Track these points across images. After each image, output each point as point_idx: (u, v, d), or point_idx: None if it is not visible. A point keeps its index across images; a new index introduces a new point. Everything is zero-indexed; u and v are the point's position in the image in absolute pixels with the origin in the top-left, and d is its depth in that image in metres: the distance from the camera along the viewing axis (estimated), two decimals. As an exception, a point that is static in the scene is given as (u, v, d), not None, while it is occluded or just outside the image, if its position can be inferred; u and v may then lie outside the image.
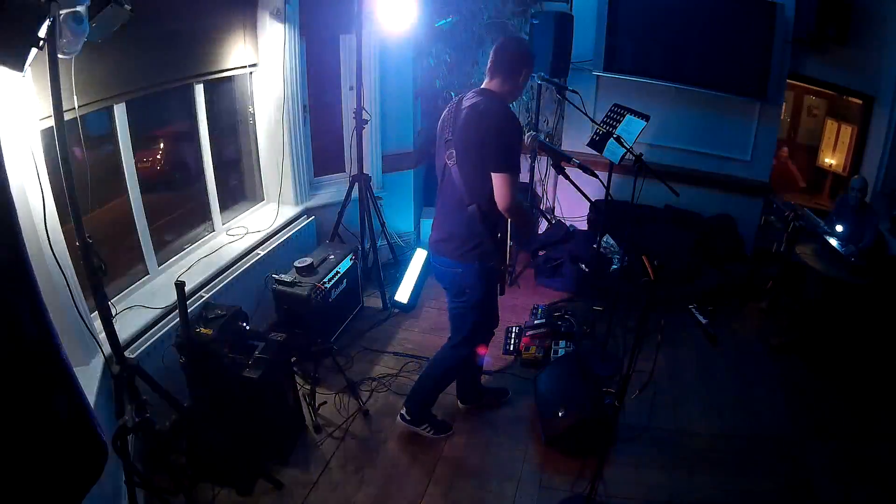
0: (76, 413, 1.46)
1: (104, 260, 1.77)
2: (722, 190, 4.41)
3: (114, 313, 2.11)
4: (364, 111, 3.55)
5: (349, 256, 3.48)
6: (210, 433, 2.39)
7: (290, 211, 3.75)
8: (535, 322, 3.60)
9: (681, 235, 4.20)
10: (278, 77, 3.43)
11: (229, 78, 3.35)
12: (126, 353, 2.10)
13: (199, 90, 3.04)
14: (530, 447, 2.74)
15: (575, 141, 4.44)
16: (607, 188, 3.09)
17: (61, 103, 1.55)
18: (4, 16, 1.26)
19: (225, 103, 3.44)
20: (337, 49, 3.90)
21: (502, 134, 2.13)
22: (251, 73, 3.43)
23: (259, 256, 3.30)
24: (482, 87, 2.29)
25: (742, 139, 4.31)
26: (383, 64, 3.92)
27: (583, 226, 4.68)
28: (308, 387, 2.83)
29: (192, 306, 2.66)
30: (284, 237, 3.54)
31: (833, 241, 3.59)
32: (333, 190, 4.07)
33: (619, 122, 3.14)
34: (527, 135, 2.36)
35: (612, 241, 4.13)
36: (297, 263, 3.18)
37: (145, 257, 2.86)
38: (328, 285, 3.22)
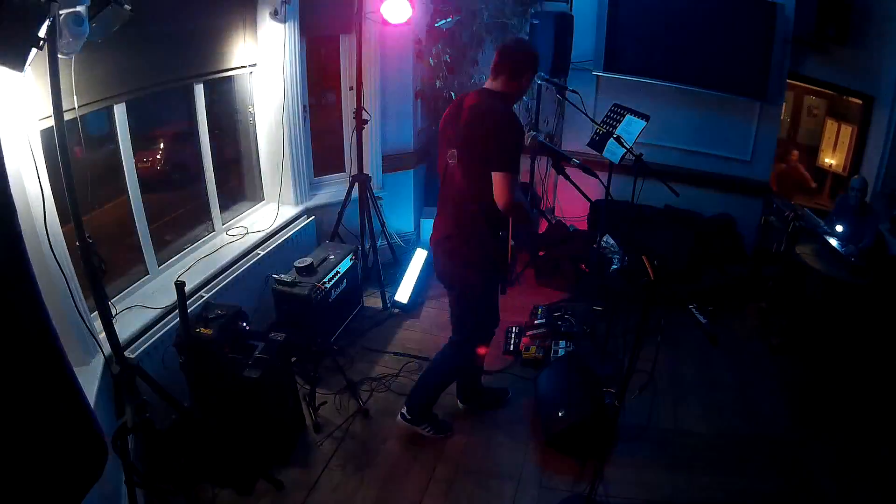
0: (76, 413, 1.46)
1: (104, 260, 1.77)
2: (722, 190, 4.41)
3: (114, 313, 2.11)
4: (364, 111, 3.55)
5: (349, 256, 3.48)
6: (210, 433, 2.39)
7: (290, 211, 3.75)
8: (535, 322, 3.60)
9: (681, 235, 4.20)
10: (278, 77, 3.42)
11: (229, 78, 3.35)
12: (126, 353, 2.10)
13: (199, 90, 3.04)
14: (530, 447, 2.74)
15: (575, 141, 4.44)
16: (607, 188, 3.09)
17: (61, 103, 1.55)
18: (4, 16, 1.26)
19: (225, 103, 3.44)
20: (337, 49, 3.90)
21: (503, 133, 2.14)
22: (251, 72, 3.43)
23: (259, 256, 3.30)
24: (484, 86, 2.29)
25: (742, 139, 4.31)
26: (383, 64, 3.92)
27: (583, 226, 4.68)
28: (308, 387, 2.83)
29: (192, 306, 2.66)
30: (284, 237, 3.54)
31: (833, 241, 3.58)
32: (333, 190, 4.07)
33: (619, 122, 3.15)
34: (527, 135, 2.36)
35: (612, 241, 4.13)
36: (297, 263, 3.18)
37: (145, 257, 2.86)
38: (328, 285, 3.22)
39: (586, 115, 3.19)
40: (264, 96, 3.52)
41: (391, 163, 4.26)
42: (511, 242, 2.39)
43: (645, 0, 4.13)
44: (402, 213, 4.52)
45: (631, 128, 3.07)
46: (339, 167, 4.16)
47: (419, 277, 3.99)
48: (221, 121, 3.42)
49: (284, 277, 3.09)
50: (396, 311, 3.83)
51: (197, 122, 3.10)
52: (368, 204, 3.70)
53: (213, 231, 3.37)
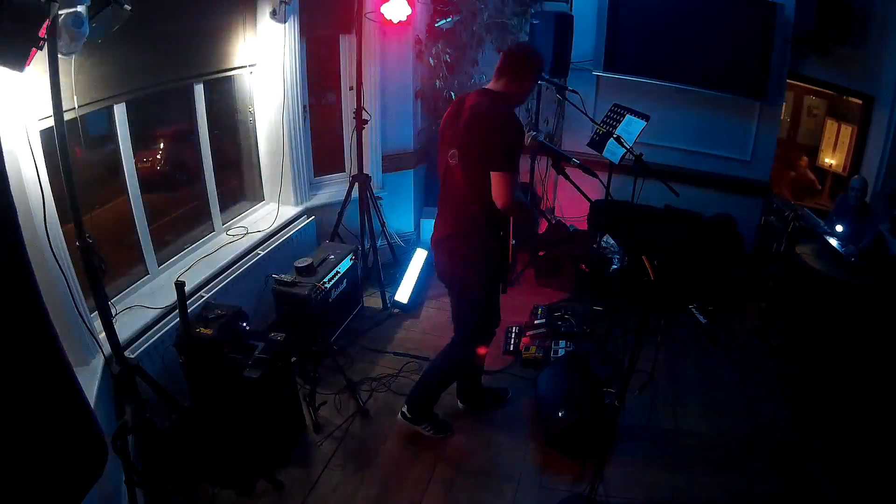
0: (76, 413, 1.47)
1: (104, 260, 1.77)
2: (722, 190, 4.41)
3: (114, 313, 2.11)
4: (364, 111, 3.55)
5: (349, 256, 3.48)
6: (210, 433, 2.39)
7: (290, 211, 3.75)
8: (535, 322, 3.61)
9: (681, 235, 4.20)
10: (278, 77, 3.42)
11: (229, 78, 3.35)
12: (126, 353, 2.11)
13: (199, 90, 3.04)
14: (530, 447, 2.74)
15: (575, 141, 4.44)
16: (607, 188, 3.09)
17: (61, 103, 1.55)
18: (4, 16, 1.26)
19: (225, 103, 3.44)
20: (337, 49, 3.90)
21: (503, 133, 2.14)
22: (251, 72, 3.43)
23: (259, 256, 3.30)
24: (486, 87, 2.29)
25: (742, 139, 4.30)
26: (383, 64, 3.92)
27: (583, 226, 4.68)
28: (308, 387, 2.83)
29: (192, 306, 2.66)
30: (284, 237, 3.54)
31: (833, 241, 3.58)
32: (333, 190, 4.07)
33: (619, 122, 3.15)
34: (527, 135, 2.36)
35: (612, 241, 4.13)
36: (297, 263, 3.18)
37: (145, 257, 2.86)
38: (328, 285, 3.22)
39: (586, 115, 3.19)
40: (264, 96, 3.52)
41: (391, 163, 4.26)
42: (511, 242, 2.39)
43: (645, 0, 4.13)
44: (402, 213, 4.52)
45: (631, 128, 3.07)
46: (339, 167, 4.16)
47: (419, 277, 3.99)
48: (221, 121, 3.42)
49: (284, 277, 3.09)
50: (396, 311, 3.83)
51: (197, 122, 3.10)
52: (368, 204, 3.70)
53: (213, 231, 3.37)
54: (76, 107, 2.15)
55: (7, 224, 1.24)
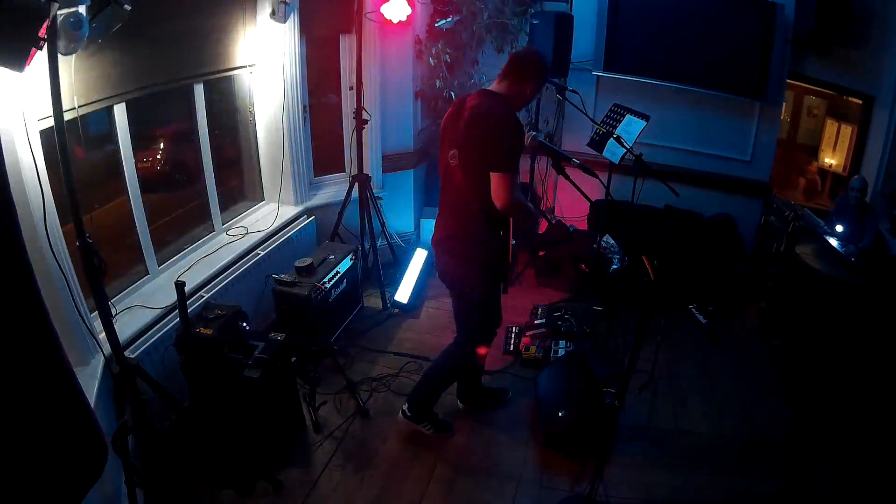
0: (76, 413, 1.47)
1: (104, 260, 1.77)
2: (722, 190, 4.41)
3: (114, 313, 2.11)
4: (364, 111, 3.55)
5: (349, 256, 3.48)
6: (210, 433, 2.39)
7: (290, 211, 3.75)
8: (535, 322, 3.61)
9: (681, 235, 4.20)
10: (278, 77, 3.42)
11: (229, 78, 3.35)
12: (126, 353, 2.11)
13: (199, 90, 3.04)
14: (530, 447, 2.74)
15: (575, 141, 4.44)
16: (607, 188, 3.09)
17: (61, 103, 1.55)
18: (4, 16, 1.26)
19: (225, 103, 3.44)
20: (337, 49, 3.90)
21: (502, 134, 2.14)
22: (251, 72, 3.43)
23: (259, 256, 3.30)
24: (488, 88, 2.30)
25: (742, 139, 4.30)
26: (383, 64, 3.92)
27: (583, 226, 4.68)
28: (308, 387, 2.83)
29: (192, 306, 2.66)
30: (284, 237, 3.54)
31: (833, 241, 3.59)
32: (333, 190, 4.07)
33: (619, 122, 3.15)
34: (527, 135, 2.36)
35: (612, 241, 4.13)
36: (297, 263, 3.18)
37: (145, 257, 2.86)
38: (328, 285, 3.22)
39: (586, 115, 3.19)
40: (264, 96, 3.52)
41: (391, 163, 4.26)
42: (512, 242, 2.39)
43: (645, 0, 4.13)
44: (402, 213, 4.52)
45: (631, 128, 3.07)
46: (339, 167, 4.16)
47: (419, 277, 3.99)
48: (221, 121, 3.42)
49: (284, 277, 3.09)
50: (396, 311, 3.83)
51: (197, 122, 3.10)
52: (368, 204, 3.70)
53: (213, 231, 3.37)
54: (76, 107, 2.15)
55: (7, 224, 1.24)
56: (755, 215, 4.44)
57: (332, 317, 3.34)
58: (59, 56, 1.55)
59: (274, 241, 3.46)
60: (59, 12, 1.52)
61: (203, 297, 2.84)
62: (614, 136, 3.01)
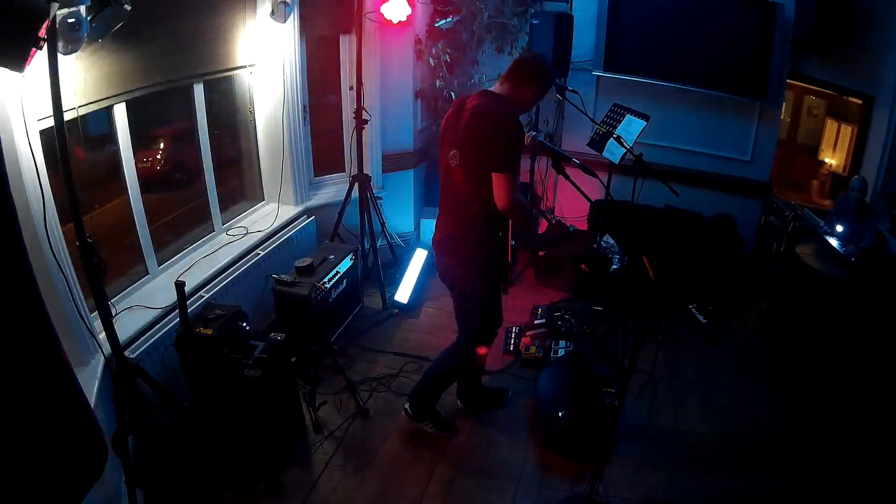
0: (76, 413, 1.47)
1: (104, 260, 1.77)
2: (722, 190, 4.41)
3: (114, 313, 2.11)
4: (364, 111, 3.55)
5: (349, 256, 3.48)
6: (210, 433, 2.39)
7: (290, 211, 3.75)
8: (535, 322, 3.61)
9: (681, 235, 4.20)
10: (278, 77, 3.42)
11: (229, 78, 3.35)
12: (126, 353, 2.11)
13: (199, 90, 3.04)
14: (530, 447, 2.74)
15: (575, 141, 4.44)
16: (607, 188, 3.09)
17: (61, 103, 1.55)
18: (4, 16, 1.26)
19: (225, 103, 3.44)
20: (337, 49, 3.90)
21: (503, 135, 2.14)
22: (251, 72, 3.43)
23: (259, 256, 3.30)
24: (490, 89, 2.30)
25: (742, 139, 4.30)
26: (383, 64, 3.92)
27: (583, 226, 4.68)
28: (308, 387, 2.83)
29: (192, 306, 2.66)
30: (284, 237, 3.54)
31: (833, 241, 3.59)
32: (333, 190, 4.07)
33: (619, 122, 3.15)
34: (527, 135, 2.36)
35: (612, 241, 4.13)
36: (297, 263, 3.18)
37: (145, 257, 2.86)
38: (328, 285, 3.22)
39: (586, 115, 3.19)
40: (264, 96, 3.52)
41: (391, 163, 4.26)
42: (511, 242, 2.39)
43: (645, 0, 4.13)
44: (402, 213, 4.52)
45: (631, 128, 3.07)
46: (339, 167, 4.16)
47: (419, 277, 3.99)
48: (221, 120, 3.42)
49: (284, 277, 3.09)
50: (396, 311, 3.83)
51: (196, 122, 3.10)
52: (368, 204, 3.70)
53: (213, 231, 3.37)
54: (76, 107, 2.15)
55: (7, 224, 1.24)
56: (755, 215, 4.44)
57: (332, 317, 3.34)
58: (60, 56, 1.55)
59: (274, 241, 3.46)
60: (58, 12, 1.52)
61: (203, 297, 2.84)
62: (614, 136, 3.01)
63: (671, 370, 3.29)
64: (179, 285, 2.20)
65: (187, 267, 3.03)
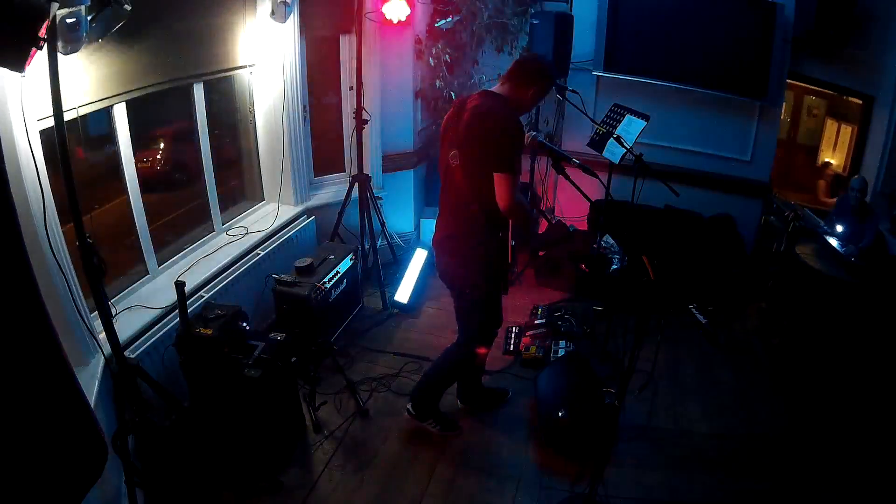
0: (76, 413, 1.47)
1: (104, 260, 1.77)
2: (722, 190, 4.41)
3: (114, 313, 2.11)
4: (364, 111, 3.55)
5: (349, 256, 3.48)
6: (210, 433, 2.39)
7: (290, 211, 3.75)
8: (535, 322, 3.61)
9: (681, 235, 4.20)
10: (278, 77, 3.43)
11: (229, 78, 3.35)
12: (126, 353, 2.11)
13: (199, 90, 3.04)
14: (530, 447, 2.74)
15: (575, 141, 4.44)
16: (607, 188, 3.09)
17: (61, 103, 1.55)
18: (4, 16, 1.26)
19: (225, 103, 3.44)
20: (337, 49, 3.90)
21: (503, 135, 2.14)
22: (251, 72, 3.43)
23: (259, 256, 3.30)
24: (490, 89, 2.30)
25: (742, 139, 4.30)
26: (383, 64, 3.92)
27: (583, 226, 4.68)
28: (308, 387, 2.83)
29: (192, 306, 2.66)
30: (284, 237, 3.54)
31: (833, 241, 3.59)
32: (333, 190, 4.07)
33: (619, 122, 3.15)
34: (527, 135, 2.36)
35: (612, 241, 4.13)
36: (297, 263, 3.18)
37: (145, 257, 2.86)
38: (328, 285, 3.22)
39: (586, 115, 3.19)
40: (264, 96, 3.52)
41: (391, 163, 4.26)
42: (511, 242, 2.39)
43: (645, 0, 4.13)
44: (402, 213, 4.52)
45: (631, 128, 3.07)
46: (339, 167, 4.16)
47: (419, 277, 3.99)
48: (221, 121, 3.42)
49: (284, 277, 3.09)
50: (396, 311, 3.83)
51: (196, 122, 3.10)
52: (368, 204, 3.70)
53: (213, 231, 3.37)
54: (76, 107, 2.15)
55: (7, 224, 1.24)
56: (755, 215, 4.44)
57: (332, 317, 3.34)
58: (60, 56, 1.55)
59: (274, 241, 3.46)
60: (58, 12, 1.52)
61: (203, 297, 2.84)
62: (614, 136, 3.01)
63: (671, 370, 3.29)
64: (179, 285, 2.20)
65: (187, 267, 3.03)
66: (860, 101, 4.66)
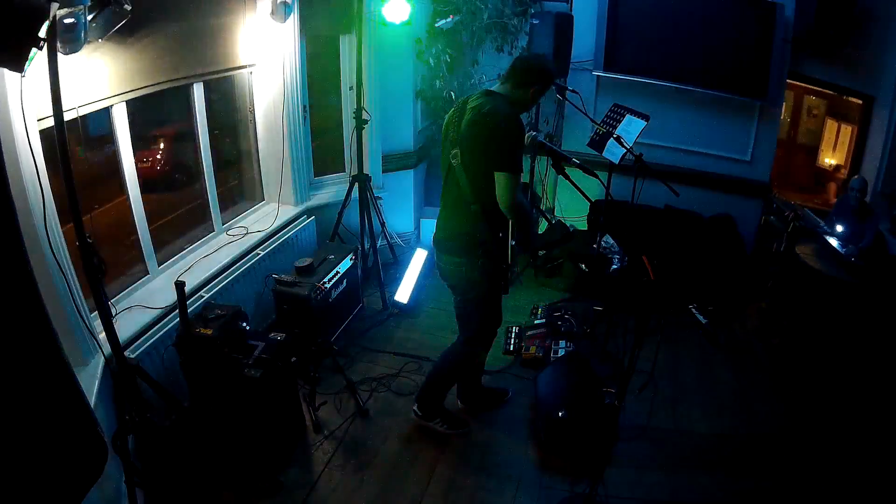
0: (76, 413, 1.46)
1: (104, 260, 1.77)
2: (722, 190, 4.41)
3: (114, 313, 2.11)
4: (364, 111, 3.55)
5: (349, 256, 3.48)
6: (210, 433, 2.39)
7: (290, 211, 3.75)
8: (535, 322, 3.61)
9: (681, 235, 4.20)
10: (278, 77, 3.43)
11: (229, 78, 3.35)
12: (126, 353, 2.11)
13: (199, 90, 3.04)
14: (530, 447, 2.74)
15: (575, 141, 4.44)
16: (607, 188, 3.08)
17: (61, 103, 1.55)
18: (4, 16, 1.26)
19: (225, 103, 3.44)
20: (337, 49, 3.90)
21: (504, 134, 2.15)
22: (251, 73, 3.43)
23: (259, 256, 3.30)
24: (491, 89, 2.30)
25: (742, 139, 4.31)
26: (383, 64, 3.92)
27: (583, 226, 4.68)
28: (308, 387, 2.83)
29: (192, 306, 2.66)
30: (284, 237, 3.54)
31: (833, 241, 3.59)
32: (333, 190, 4.07)
33: (619, 122, 3.14)
34: (527, 135, 2.37)
35: (612, 241, 4.13)
36: (297, 263, 3.18)
37: (145, 257, 2.86)
38: (328, 285, 3.22)
39: (586, 115, 3.19)
40: (264, 96, 3.52)
41: (391, 163, 4.26)
42: (511, 242, 2.39)
43: (645, 0, 4.13)
44: (402, 213, 4.52)
45: (631, 128, 3.07)
46: (339, 167, 4.16)
47: (419, 277, 3.99)
48: (221, 121, 3.42)
49: (284, 277, 3.09)
50: (396, 311, 3.83)
51: (196, 121, 3.10)
52: (368, 204, 3.69)
53: (213, 231, 3.37)
54: (76, 107, 2.15)
55: (7, 224, 1.24)
56: (755, 215, 4.44)
57: (332, 317, 3.34)
58: (60, 56, 1.55)
59: (274, 241, 3.46)
60: (58, 12, 1.52)
61: (203, 297, 2.84)
62: (614, 136, 3.01)
63: (671, 370, 3.29)
64: (179, 285, 2.20)
65: (187, 267, 3.03)
66: (860, 101, 4.66)
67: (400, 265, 4.10)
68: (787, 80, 4.26)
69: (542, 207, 4.84)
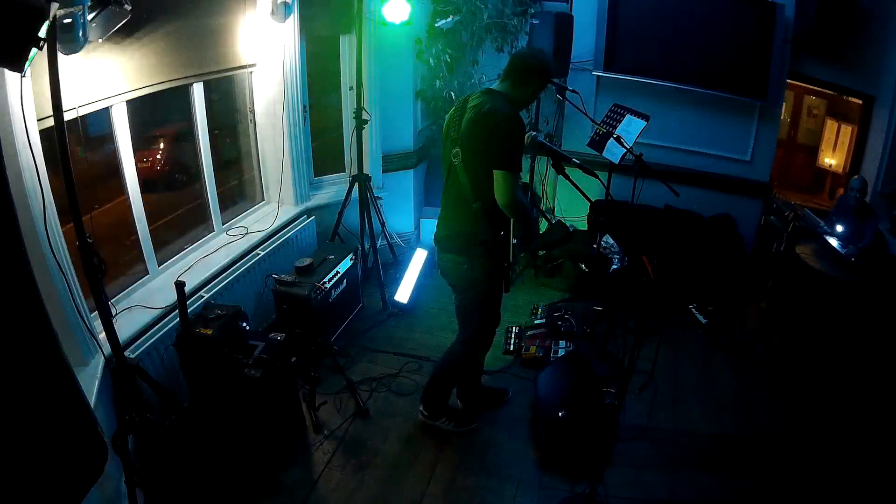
0: (76, 413, 1.47)
1: (104, 260, 1.77)
2: (722, 190, 4.41)
3: (114, 313, 2.11)
4: (364, 111, 3.55)
5: (349, 256, 3.48)
6: (210, 433, 2.39)
7: (290, 211, 3.75)
8: (535, 322, 3.61)
9: (681, 235, 4.20)
10: (278, 77, 3.43)
11: (229, 78, 3.35)
12: (126, 353, 2.11)
13: (199, 90, 3.04)
14: (530, 447, 2.74)
15: (575, 141, 4.44)
16: (607, 188, 3.08)
17: (61, 103, 1.55)
18: (4, 16, 1.26)
19: (225, 103, 3.44)
20: (337, 49, 3.90)
21: (504, 133, 2.15)
22: (251, 72, 3.43)
23: (259, 256, 3.30)
24: (491, 87, 2.30)
25: (742, 139, 4.31)
26: (383, 64, 3.92)
27: (583, 226, 4.68)
28: (308, 387, 2.83)
29: (192, 306, 2.66)
30: (284, 237, 3.54)
31: (833, 241, 3.59)
32: (333, 190, 4.07)
33: (619, 122, 3.14)
34: (527, 135, 2.37)
35: (612, 241, 4.13)
36: (297, 263, 3.18)
37: (145, 257, 2.86)
38: (328, 285, 3.22)
39: (586, 115, 3.19)
40: (264, 96, 3.52)
41: (391, 163, 4.26)
42: (512, 241, 2.39)
43: (645, 0, 4.13)
44: (402, 213, 4.52)
45: (631, 128, 3.07)
46: (339, 167, 4.16)
47: (419, 277, 3.99)
48: (221, 121, 3.42)
49: (284, 277, 3.09)
50: (396, 311, 3.83)
51: (196, 122, 3.10)
52: (368, 204, 3.70)
53: (213, 231, 3.37)
54: (76, 107, 2.15)
55: (7, 224, 1.24)
56: (755, 215, 4.44)
57: (332, 317, 3.35)
58: (60, 56, 1.55)
59: (274, 241, 3.46)
60: (59, 12, 1.53)
61: (203, 297, 2.84)
62: (614, 136, 3.01)
63: (671, 370, 3.29)
64: (179, 285, 2.20)
65: (187, 267, 3.03)
66: (860, 101, 4.66)
67: (400, 265, 4.10)
68: (787, 80, 4.26)
69: (542, 207, 4.84)
